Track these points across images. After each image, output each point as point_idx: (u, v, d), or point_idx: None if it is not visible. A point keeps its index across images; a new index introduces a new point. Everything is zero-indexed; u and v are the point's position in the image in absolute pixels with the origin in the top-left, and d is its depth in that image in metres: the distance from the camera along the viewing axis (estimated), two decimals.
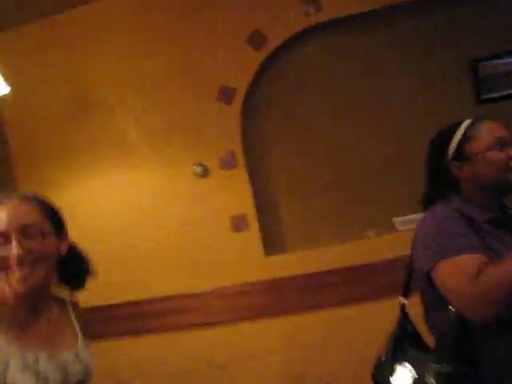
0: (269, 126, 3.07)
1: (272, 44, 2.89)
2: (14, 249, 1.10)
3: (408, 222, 2.76)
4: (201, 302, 2.94)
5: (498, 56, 2.81)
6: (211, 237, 2.95)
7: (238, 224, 2.94)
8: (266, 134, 3.07)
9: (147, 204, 3.01)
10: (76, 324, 1.30)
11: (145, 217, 3.01)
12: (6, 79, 2.39)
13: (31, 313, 1.17)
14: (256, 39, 2.87)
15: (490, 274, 1.14)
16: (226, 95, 2.91)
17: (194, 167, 2.96)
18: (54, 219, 1.21)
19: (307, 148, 3.03)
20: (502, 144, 1.33)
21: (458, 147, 1.37)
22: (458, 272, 1.19)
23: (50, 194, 1.33)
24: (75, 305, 1.35)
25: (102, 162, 3.10)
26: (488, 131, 1.35)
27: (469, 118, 1.41)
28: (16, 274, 1.09)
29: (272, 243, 3.01)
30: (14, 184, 3.13)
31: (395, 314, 1.50)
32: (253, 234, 2.94)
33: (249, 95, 2.95)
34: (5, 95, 2.45)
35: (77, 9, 3.03)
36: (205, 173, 2.97)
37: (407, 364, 1.31)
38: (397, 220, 2.86)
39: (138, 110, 3.05)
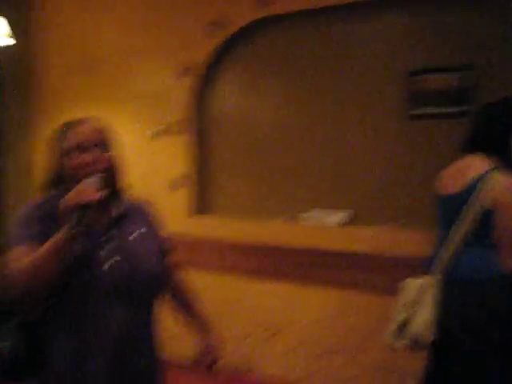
0: (219, 102, 3.46)
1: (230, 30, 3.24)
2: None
3: (310, 218, 3.08)
4: None
5: (431, 71, 2.80)
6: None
7: (175, 184, 3.40)
8: (215, 108, 3.47)
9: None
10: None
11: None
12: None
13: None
14: (215, 25, 3.23)
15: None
16: (184, 72, 3.34)
17: (151, 130, 3.47)
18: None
19: (253, 127, 3.38)
20: None
21: None
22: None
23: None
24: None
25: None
26: None
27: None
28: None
29: (199, 206, 3.45)
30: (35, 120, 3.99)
31: None
32: (183, 195, 3.42)
33: (205, 73, 3.37)
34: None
35: None
36: (158, 135, 3.46)
37: None
38: (302, 215, 3.14)
39: (131, 79, 3.62)
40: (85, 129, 1.39)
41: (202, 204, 3.48)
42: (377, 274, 2.79)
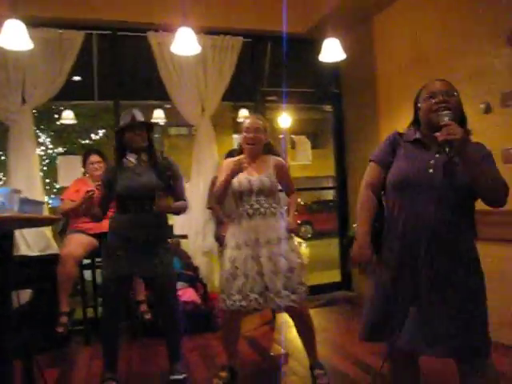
0: None
1: None
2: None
3: None
4: None
5: None
6: None
7: (506, 157, 3.24)
8: None
9: None
10: (271, 167, 2.88)
11: None
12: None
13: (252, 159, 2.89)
14: None
15: None
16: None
17: (481, 105, 3.42)
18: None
19: None
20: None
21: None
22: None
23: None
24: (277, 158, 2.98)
25: None
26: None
27: None
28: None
29: None
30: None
31: None
32: None
33: None
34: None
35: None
36: (488, 110, 3.41)
37: None
38: None
39: (457, 58, 3.68)
40: (436, 83, 1.91)
41: None
42: None
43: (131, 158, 2.93)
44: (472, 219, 1.88)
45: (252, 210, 2.81)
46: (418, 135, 1.94)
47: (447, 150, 1.68)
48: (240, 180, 2.82)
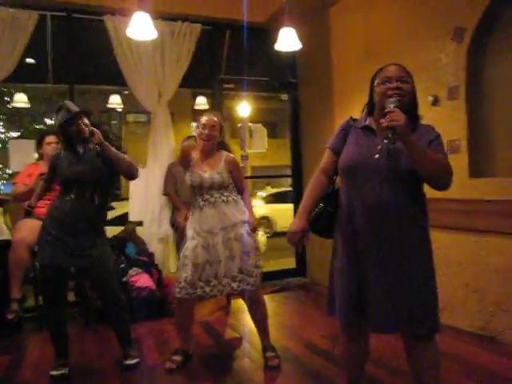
0: (491, 70, 3.36)
1: None
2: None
3: None
4: None
5: None
6: None
7: (452, 147, 3.37)
8: (489, 72, 3.38)
9: None
10: (222, 163, 2.94)
11: None
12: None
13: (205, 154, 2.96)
14: None
15: None
16: (458, 35, 3.37)
17: (429, 97, 3.54)
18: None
19: None
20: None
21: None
22: None
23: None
24: (229, 154, 3.01)
25: None
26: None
27: None
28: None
29: (479, 168, 3.38)
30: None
31: None
32: (462, 157, 3.37)
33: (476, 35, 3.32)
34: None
35: None
36: (436, 102, 3.55)
37: None
38: None
39: (407, 52, 3.79)
40: (391, 67, 1.99)
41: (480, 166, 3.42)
42: None
43: (80, 149, 2.89)
44: (421, 203, 1.97)
45: (203, 201, 2.91)
46: (367, 122, 2.02)
47: (389, 135, 1.76)
48: (192, 177, 2.91)
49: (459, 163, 3.36)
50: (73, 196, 2.83)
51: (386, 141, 1.83)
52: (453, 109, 3.44)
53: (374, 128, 1.99)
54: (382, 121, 1.81)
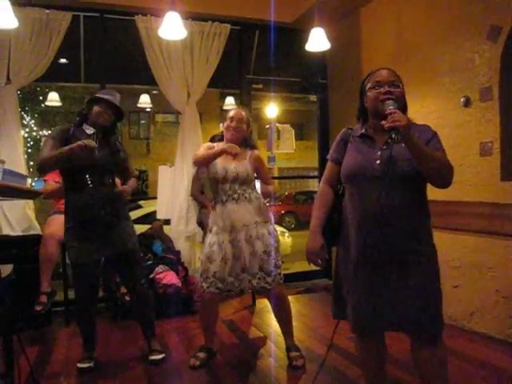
0: None
1: None
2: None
3: None
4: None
5: None
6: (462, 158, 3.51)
7: (483, 150, 3.37)
8: None
9: None
10: (248, 159, 2.95)
11: None
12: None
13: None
14: None
15: None
16: (493, 35, 3.30)
17: (461, 98, 3.53)
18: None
19: None
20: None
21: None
22: None
23: None
24: (254, 151, 3.01)
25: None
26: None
27: None
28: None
29: (510, 170, 3.31)
30: None
31: None
32: (495, 159, 3.31)
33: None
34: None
35: None
36: (467, 103, 3.50)
37: None
38: None
39: (439, 52, 3.77)
40: (382, 72, 2.00)
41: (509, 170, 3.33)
42: None
43: (88, 130, 2.87)
44: (424, 205, 1.98)
45: (226, 196, 2.90)
46: (363, 130, 2.05)
47: (393, 136, 1.78)
48: (217, 168, 2.91)
49: (491, 165, 3.30)
50: (91, 184, 2.79)
51: (385, 146, 1.86)
52: (485, 110, 3.37)
53: (371, 135, 2.02)
54: (383, 122, 1.81)
